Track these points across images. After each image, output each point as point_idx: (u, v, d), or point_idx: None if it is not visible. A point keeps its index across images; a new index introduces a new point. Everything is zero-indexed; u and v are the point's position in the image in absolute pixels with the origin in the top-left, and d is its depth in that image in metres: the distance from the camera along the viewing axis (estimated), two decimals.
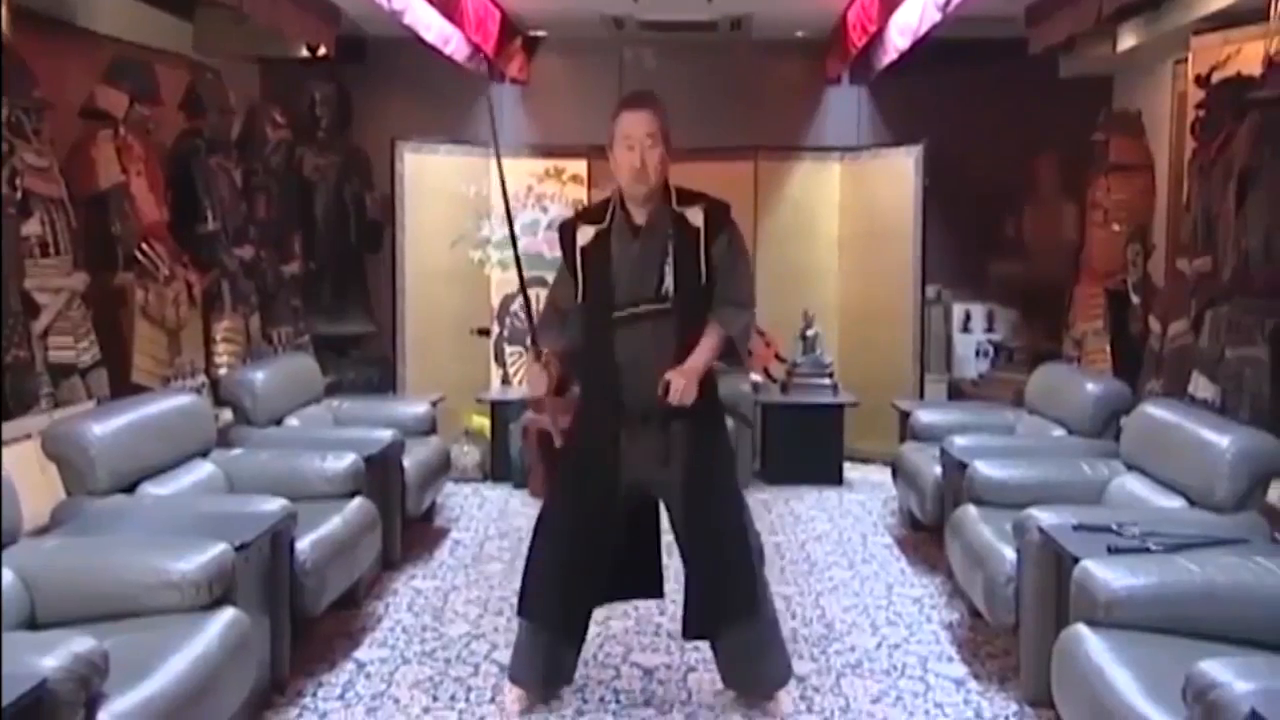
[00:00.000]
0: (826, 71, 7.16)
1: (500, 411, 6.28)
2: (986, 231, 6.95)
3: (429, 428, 5.43)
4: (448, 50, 5.90)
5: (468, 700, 3.46)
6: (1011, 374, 6.43)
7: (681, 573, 3.42)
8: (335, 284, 6.77)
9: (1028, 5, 5.68)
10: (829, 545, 5.14)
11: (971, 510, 3.99)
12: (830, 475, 6.22)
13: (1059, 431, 4.80)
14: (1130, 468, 3.99)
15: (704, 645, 3.76)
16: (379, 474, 4.49)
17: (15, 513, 2.98)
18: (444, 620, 4.15)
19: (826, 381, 6.40)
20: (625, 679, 3.62)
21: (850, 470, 6.35)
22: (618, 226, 3.23)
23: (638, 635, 3.94)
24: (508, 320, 6.75)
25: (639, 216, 3.22)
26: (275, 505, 3.47)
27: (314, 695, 3.48)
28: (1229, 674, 2.24)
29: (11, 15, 4.10)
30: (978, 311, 7.12)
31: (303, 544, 3.56)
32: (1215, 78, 4.94)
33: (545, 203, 6.73)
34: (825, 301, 6.75)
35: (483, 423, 6.38)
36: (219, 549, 2.97)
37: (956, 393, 6.83)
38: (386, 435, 4.69)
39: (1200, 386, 4.55)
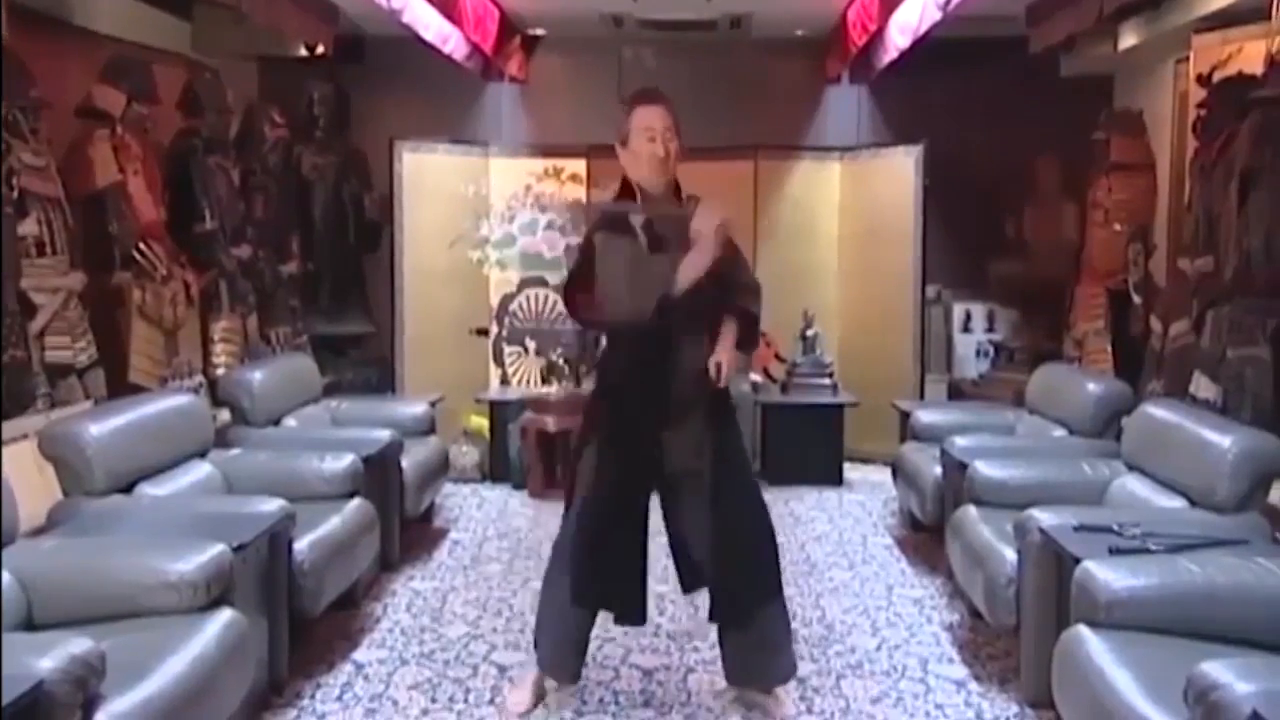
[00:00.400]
0: (826, 71, 7.15)
1: (499, 412, 6.27)
2: (987, 231, 6.93)
3: (428, 428, 5.42)
4: (446, 49, 5.89)
5: (466, 701, 3.45)
6: (1012, 374, 6.42)
7: (676, 574, 3.43)
8: (333, 284, 6.76)
9: (1028, 4, 5.68)
10: (829, 546, 5.12)
11: (972, 511, 3.98)
12: (830, 476, 6.21)
13: (1060, 432, 4.79)
14: (1131, 468, 3.98)
15: (703, 646, 3.77)
16: (377, 474, 4.48)
17: (12, 513, 2.97)
18: (442, 621, 4.14)
19: (826, 382, 6.39)
20: (625, 680, 3.61)
21: (850, 470, 6.34)
22: (653, 214, 3.25)
23: (637, 637, 3.93)
24: (506, 320, 6.75)
25: (664, 206, 3.26)
26: (273, 506, 3.46)
27: (312, 697, 3.47)
28: (1230, 675, 2.23)
29: (9, 14, 4.09)
30: (978, 311, 7.11)
31: (301, 545, 3.55)
32: (1216, 77, 4.93)
33: (544, 202, 6.72)
34: (825, 301, 6.74)
35: (481, 423, 6.37)
36: (217, 550, 2.96)
37: (957, 393, 6.82)
38: (385, 436, 4.68)
39: (1201, 387, 4.54)
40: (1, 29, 3.97)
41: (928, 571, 4.71)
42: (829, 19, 6.46)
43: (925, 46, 5.56)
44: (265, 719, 3.32)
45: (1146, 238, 5.92)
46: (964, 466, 4.20)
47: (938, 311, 7.08)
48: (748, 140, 6.75)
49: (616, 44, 7.15)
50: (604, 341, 3.55)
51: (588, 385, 5.93)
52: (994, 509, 3.91)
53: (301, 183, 6.61)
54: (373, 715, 3.37)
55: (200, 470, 4.08)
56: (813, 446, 6.21)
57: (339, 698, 3.47)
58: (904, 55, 5.78)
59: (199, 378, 5.13)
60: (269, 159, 6.14)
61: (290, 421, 4.99)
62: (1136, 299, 5.79)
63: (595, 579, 3.28)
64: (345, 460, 4.21)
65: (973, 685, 3.59)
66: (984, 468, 4.11)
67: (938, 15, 4.93)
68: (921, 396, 6.46)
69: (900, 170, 6.57)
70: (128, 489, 3.68)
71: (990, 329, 7.08)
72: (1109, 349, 5.96)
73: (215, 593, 2.90)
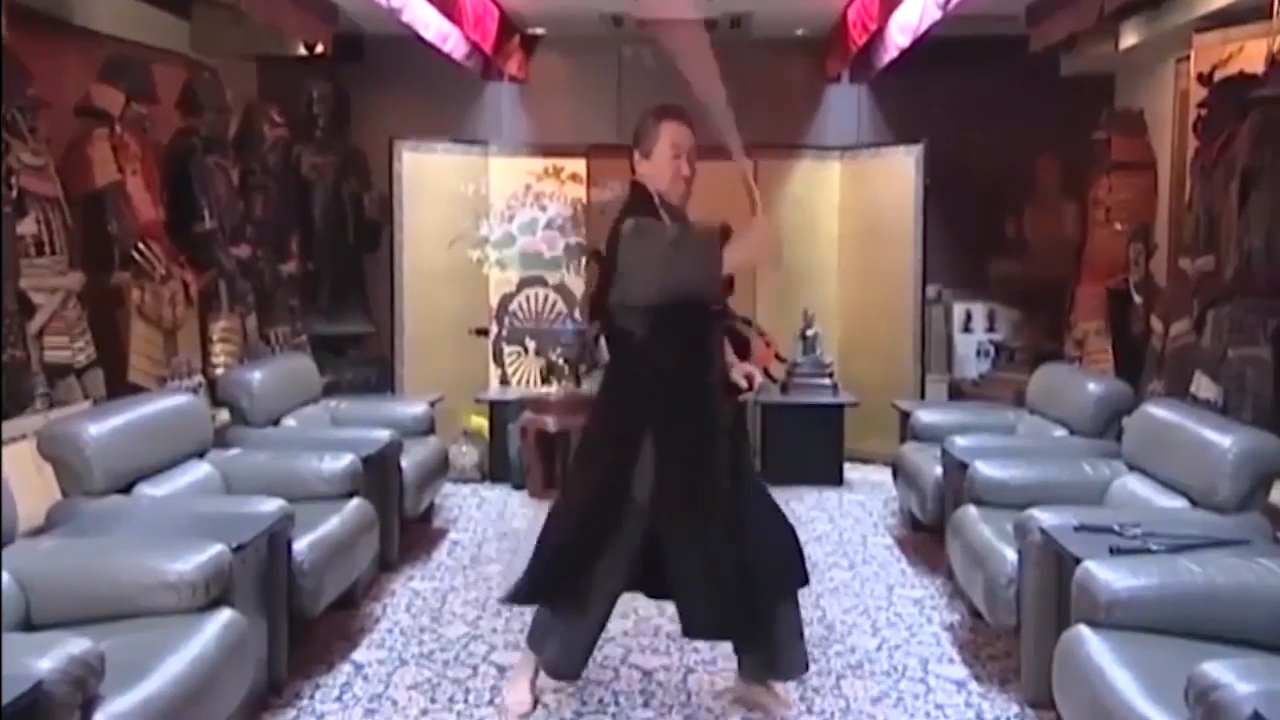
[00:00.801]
0: (827, 70, 7.14)
1: (499, 412, 6.26)
2: (987, 231, 6.92)
3: (427, 428, 5.42)
4: (446, 48, 5.89)
5: (466, 702, 3.45)
6: (1012, 374, 6.41)
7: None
8: (333, 284, 6.75)
9: (1029, 4, 5.68)
10: (829, 546, 5.12)
11: (972, 511, 3.97)
12: (830, 476, 6.20)
13: (1060, 432, 4.79)
14: (1132, 468, 3.98)
15: (703, 646, 3.76)
16: (377, 474, 4.47)
17: (11, 514, 2.96)
18: (442, 621, 4.14)
19: (826, 381, 6.39)
20: (625, 680, 3.61)
21: (850, 471, 6.33)
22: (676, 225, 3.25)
23: (637, 637, 3.93)
24: (506, 320, 6.74)
25: (684, 221, 3.27)
26: (273, 506, 3.46)
27: (311, 697, 3.47)
28: (1231, 675, 2.23)
29: (7, 13, 4.08)
30: (978, 311, 7.11)
31: (300, 545, 3.55)
32: (1217, 76, 4.93)
33: (544, 201, 6.71)
34: (825, 301, 6.73)
35: (481, 423, 6.36)
36: (216, 550, 2.95)
37: (957, 393, 6.81)
38: (384, 436, 4.67)
39: (1202, 386, 4.53)
40: (1, 29, 3.96)
41: (928, 571, 4.71)
42: (829, 18, 6.45)
43: (925, 46, 5.56)
44: (264, 719, 3.31)
45: (1147, 237, 5.91)
46: (964, 466, 4.19)
47: (938, 311, 7.07)
48: (747, 139, 6.69)
49: (616, 43, 7.14)
50: (606, 347, 3.43)
51: (588, 385, 5.94)
52: (994, 509, 3.90)
53: (301, 182, 6.61)
54: (372, 715, 3.36)
55: (199, 470, 4.07)
56: (813, 446, 6.20)
57: (338, 698, 3.47)
58: (904, 54, 5.78)
59: (198, 378, 5.13)
60: (268, 158, 6.13)
61: (289, 421, 4.98)
62: (1137, 299, 5.78)
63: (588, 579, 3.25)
64: (345, 460, 4.20)
65: (973, 685, 3.59)
66: (984, 468, 4.10)
67: (938, 14, 4.93)
68: (922, 396, 6.45)
69: (900, 170, 6.56)
70: (127, 489, 3.67)
71: (991, 329, 7.07)
72: (1109, 349, 5.95)
73: (214, 593, 2.89)
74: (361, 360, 6.74)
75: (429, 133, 6.71)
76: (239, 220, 5.66)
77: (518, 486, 6.09)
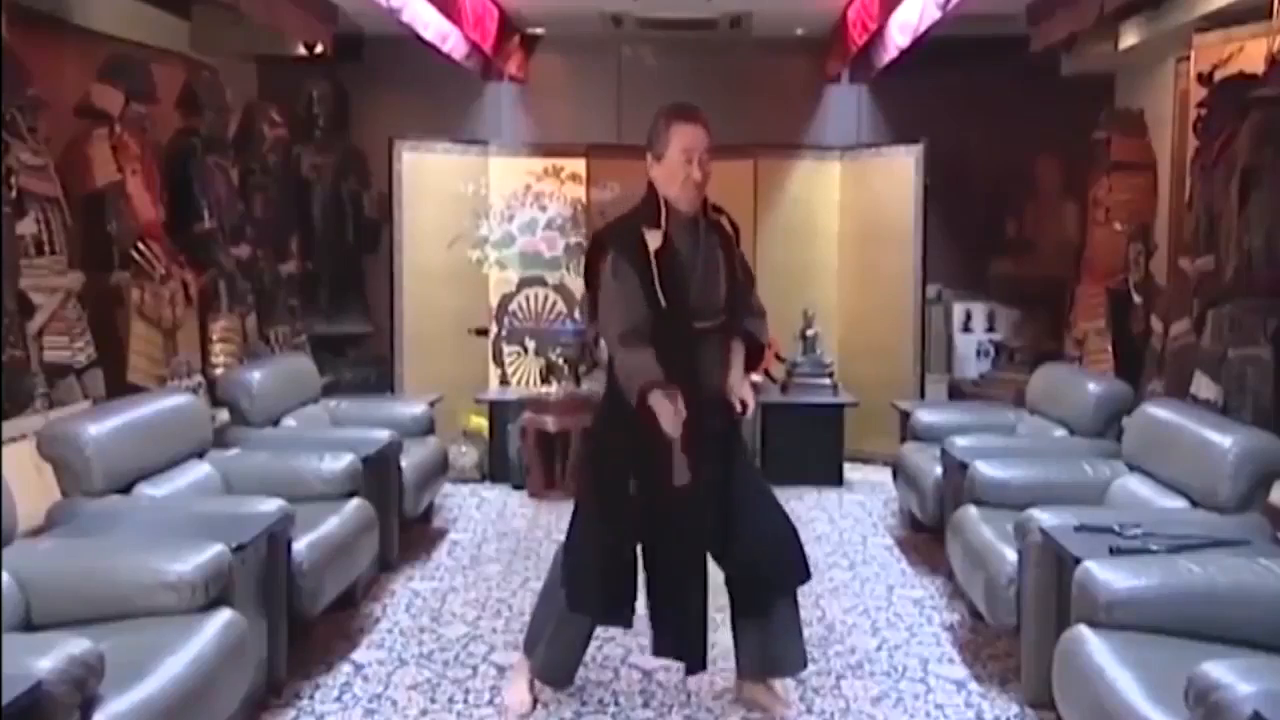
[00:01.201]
0: (826, 70, 7.14)
1: (498, 412, 6.26)
2: (987, 231, 6.94)
3: (427, 428, 5.41)
4: (445, 48, 5.89)
5: (465, 702, 3.44)
6: (1012, 374, 6.42)
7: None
8: (332, 283, 6.76)
9: (1028, 3, 5.67)
10: (829, 546, 5.12)
11: (972, 511, 3.97)
12: (830, 476, 6.20)
13: (1060, 432, 4.79)
14: (1132, 468, 3.97)
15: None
16: (376, 475, 4.47)
17: (11, 514, 2.96)
18: (442, 622, 4.13)
19: (826, 381, 6.38)
20: (624, 681, 3.60)
21: (850, 471, 6.33)
22: (678, 235, 3.19)
23: (637, 637, 3.91)
24: (506, 320, 6.74)
25: (691, 226, 3.22)
26: (272, 506, 3.46)
27: (311, 697, 3.46)
28: (1231, 676, 2.22)
29: (7, 13, 4.08)
30: (978, 311, 7.11)
31: (300, 545, 3.54)
32: (1217, 76, 4.93)
33: (544, 201, 6.71)
34: (825, 301, 6.73)
35: (481, 423, 6.36)
36: (215, 550, 2.95)
37: (957, 393, 6.81)
38: (384, 436, 4.67)
39: (1202, 386, 4.53)
40: (1, 29, 3.96)
41: (928, 572, 4.70)
42: (829, 18, 6.45)
43: (925, 46, 5.56)
44: (264, 719, 3.31)
45: (1147, 237, 5.91)
46: (964, 466, 4.19)
47: (938, 311, 7.07)
48: (747, 139, 6.74)
49: (616, 43, 7.14)
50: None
51: (587, 385, 5.94)
52: (994, 509, 3.90)
53: (300, 182, 6.61)
54: (372, 716, 3.36)
55: (199, 470, 4.07)
56: (813, 447, 6.20)
57: (338, 698, 3.47)
58: (904, 54, 5.77)
59: (198, 377, 5.12)
60: (268, 158, 6.13)
61: (289, 421, 4.98)
62: (1137, 299, 5.78)
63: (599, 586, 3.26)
64: (344, 460, 4.20)
65: (973, 685, 3.58)
66: (984, 468, 4.10)
67: (937, 14, 4.93)
68: (922, 396, 6.45)
69: (900, 170, 6.56)
70: (126, 489, 3.67)
71: (991, 329, 7.07)
72: (1110, 349, 5.95)
73: (214, 593, 2.89)
74: (361, 360, 6.74)
75: (429, 132, 6.71)
76: (239, 220, 5.66)
77: (517, 486, 6.09)
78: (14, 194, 4.06)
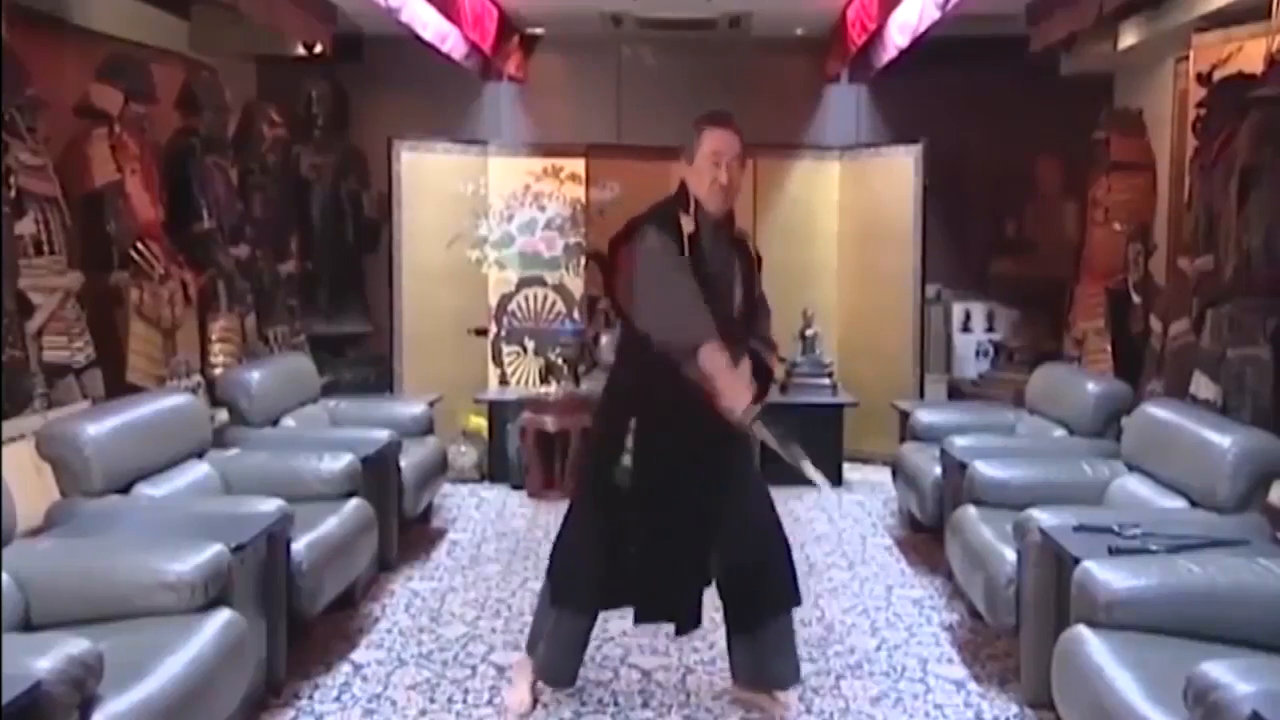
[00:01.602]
0: (826, 70, 7.14)
1: (498, 412, 6.26)
2: (987, 231, 6.94)
3: (426, 428, 5.41)
4: (445, 48, 5.89)
5: (465, 702, 3.44)
6: (1012, 374, 6.42)
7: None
8: (332, 283, 6.76)
9: (1028, 3, 5.67)
10: (828, 546, 5.12)
11: (972, 511, 3.97)
12: (830, 476, 6.07)
13: (1060, 432, 4.79)
14: (1131, 468, 3.97)
15: (703, 646, 3.76)
16: (376, 475, 4.47)
17: (10, 514, 2.96)
18: (441, 622, 4.13)
19: (826, 381, 6.38)
20: (624, 680, 3.60)
21: (850, 471, 6.33)
22: (705, 231, 3.22)
23: (636, 637, 3.92)
24: (505, 320, 6.73)
25: (718, 233, 3.26)
26: (271, 506, 3.45)
27: (310, 698, 3.46)
28: (1230, 675, 2.22)
29: (7, 13, 4.08)
30: (978, 311, 7.11)
31: (299, 545, 3.54)
32: (1217, 76, 4.93)
33: (543, 201, 6.71)
34: (824, 301, 6.73)
35: (480, 423, 6.36)
36: (215, 550, 2.95)
37: (956, 393, 6.81)
38: (383, 436, 4.67)
39: (1201, 386, 4.53)
40: (1, 30, 3.96)
41: (927, 572, 4.70)
42: (828, 18, 6.45)
43: (925, 46, 5.56)
44: (263, 719, 3.31)
45: (1146, 237, 5.92)
46: (964, 466, 4.19)
47: (937, 311, 7.07)
48: (747, 139, 6.63)
49: (616, 43, 7.14)
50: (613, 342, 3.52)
51: (586, 385, 5.94)
52: (994, 509, 3.90)
53: (300, 182, 6.61)
54: (371, 716, 3.36)
55: (198, 470, 4.07)
56: (812, 447, 6.11)
57: (337, 698, 3.46)
58: (903, 54, 5.77)
59: (197, 377, 5.12)
60: (267, 158, 6.13)
61: (288, 421, 4.98)
62: (1136, 298, 5.79)
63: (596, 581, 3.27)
64: (343, 460, 4.20)
65: (972, 686, 3.58)
66: (984, 468, 4.10)
67: (937, 14, 4.93)
68: (921, 396, 6.45)
69: (900, 169, 6.56)
70: (125, 489, 3.67)
71: (990, 329, 7.07)
72: (1109, 349, 5.95)
73: (213, 593, 2.89)
74: (360, 360, 6.74)
75: (428, 132, 6.70)
76: (238, 220, 5.66)
77: (517, 487, 6.09)
78: (13, 194, 4.06)
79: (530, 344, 6.70)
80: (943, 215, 6.63)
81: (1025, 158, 6.70)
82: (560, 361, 6.25)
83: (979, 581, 3.63)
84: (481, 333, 6.68)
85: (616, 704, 3.44)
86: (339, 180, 6.76)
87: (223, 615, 2.88)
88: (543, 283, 6.72)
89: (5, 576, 2.79)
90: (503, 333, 6.74)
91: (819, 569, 4.78)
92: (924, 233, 6.46)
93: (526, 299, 6.73)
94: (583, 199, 6.63)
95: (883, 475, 5.82)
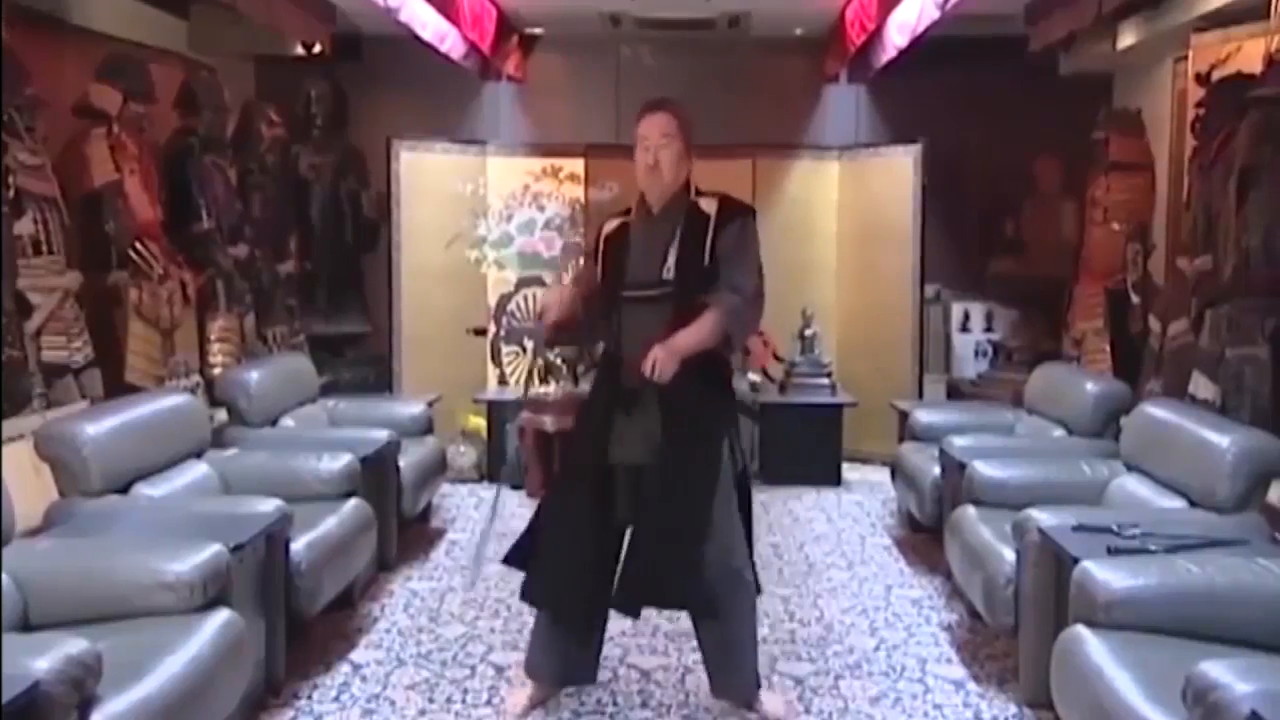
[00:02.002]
0: (825, 69, 7.14)
1: (497, 411, 6.25)
2: (986, 231, 6.94)
3: (425, 428, 5.41)
4: (444, 48, 5.88)
5: (464, 702, 3.44)
6: (1011, 374, 6.42)
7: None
8: (331, 283, 6.75)
9: (1027, 3, 5.68)
10: (827, 546, 5.12)
11: (971, 511, 3.97)
12: (829, 476, 6.20)
13: (1059, 432, 4.79)
14: (1130, 468, 3.97)
15: None
16: (375, 475, 4.47)
17: (9, 514, 2.96)
18: (440, 622, 4.13)
19: (825, 381, 6.38)
20: (623, 681, 3.60)
21: (849, 471, 6.33)
22: (637, 218, 3.35)
23: (635, 637, 3.92)
24: (504, 320, 6.73)
25: (661, 212, 3.31)
26: (270, 506, 3.45)
27: (309, 698, 3.46)
28: (1229, 675, 2.22)
29: (6, 13, 4.07)
30: (977, 311, 7.11)
31: (298, 545, 3.54)
32: (1215, 76, 4.94)
33: (542, 201, 6.71)
34: (824, 301, 6.73)
35: (479, 423, 6.36)
36: (213, 550, 2.95)
37: (955, 393, 6.81)
38: (382, 436, 4.67)
39: (1200, 386, 4.53)
40: (1, 30, 3.95)
41: (926, 572, 4.70)
42: (827, 18, 6.45)
43: (923, 45, 5.56)
44: (262, 719, 3.31)
45: (1145, 237, 5.92)
46: (963, 466, 4.19)
47: (936, 311, 7.07)
48: (746, 139, 6.74)
49: (615, 43, 7.14)
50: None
51: (585, 385, 5.93)
52: (993, 509, 3.90)
53: (299, 182, 6.61)
54: (370, 716, 3.36)
55: (197, 470, 4.06)
56: (811, 447, 6.20)
57: (336, 698, 3.46)
58: (902, 54, 5.77)
59: (196, 377, 5.12)
60: (266, 158, 6.13)
61: (287, 421, 4.98)
62: (1135, 298, 5.79)
63: (550, 580, 3.29)
64: (342, 460, 4.19)
65: (971, 686, 3.58)
66: (983, 468, 4.10)
67: (936, 14, 4.93)
68: (920, 396, 6.45)
69: (899, 169, 6.56)
70: (124, 489, 3.67)
71: (989, 328, 7.08)
72: (1108, 348, 5.96)
73: (212, 593, 2.89)
74: (359, 360, 6.73)
75: (427, 132, 6.70)
76: (237, 220, 5.66)
77: (516, 486, 6.08)
78: (12, 194, 4.06)
79: (529, 344, 6.69)
80: (942, 215, 6.63)
81: (1024, 158, 6.70)
82: (559, 361, 6.24)
83: (978, 581, 3.63)
84: (480, 332, 6.68)
85: (615, 704, 3.44)
86: (338, 180, 6.76)
87: (221, 615, 2.88)
88: (542, 283, 6.71)
89: (5, 577, 2.79)
90: (502, 332, 6.73)
91: (818, 569, 4.78)
92: (923, 233, 6.45)
93: (525, 299, 6.73)
94: (582, 199, 6.63)
95: (882, 475, 5.82)
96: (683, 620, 4.04)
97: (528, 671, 3.41)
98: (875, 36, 5.92)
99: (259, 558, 3.31)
